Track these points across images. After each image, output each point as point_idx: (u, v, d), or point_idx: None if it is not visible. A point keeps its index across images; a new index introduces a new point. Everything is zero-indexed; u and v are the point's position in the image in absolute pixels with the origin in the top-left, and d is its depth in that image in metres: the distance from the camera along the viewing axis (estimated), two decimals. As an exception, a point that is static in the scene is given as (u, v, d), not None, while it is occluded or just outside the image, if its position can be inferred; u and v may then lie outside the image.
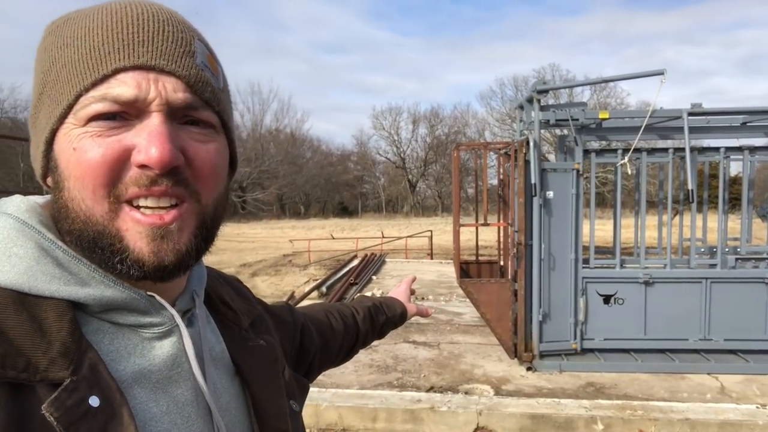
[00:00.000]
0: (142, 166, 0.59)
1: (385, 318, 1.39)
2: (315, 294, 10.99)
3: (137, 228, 0.61)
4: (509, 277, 7.10)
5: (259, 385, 0.76)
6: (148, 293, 0.65)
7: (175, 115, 0.62)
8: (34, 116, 0.64)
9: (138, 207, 0.61)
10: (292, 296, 11.63)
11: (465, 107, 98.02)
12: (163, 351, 0.66)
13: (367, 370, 6.20)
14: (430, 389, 5.59)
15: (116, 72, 0.60)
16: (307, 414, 5.08)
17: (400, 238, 20.54)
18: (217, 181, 0.67)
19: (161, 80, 0.61)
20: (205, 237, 0.66)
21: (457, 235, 6.21)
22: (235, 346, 0.77)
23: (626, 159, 6.10)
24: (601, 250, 7.26)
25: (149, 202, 0.61)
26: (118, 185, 0.60)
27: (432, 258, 18.14)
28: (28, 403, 0.54)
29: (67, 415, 0.54)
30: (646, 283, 6.21)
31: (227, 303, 0.82)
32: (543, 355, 6.23)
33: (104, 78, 0.59)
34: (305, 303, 10.06)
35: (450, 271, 13.93)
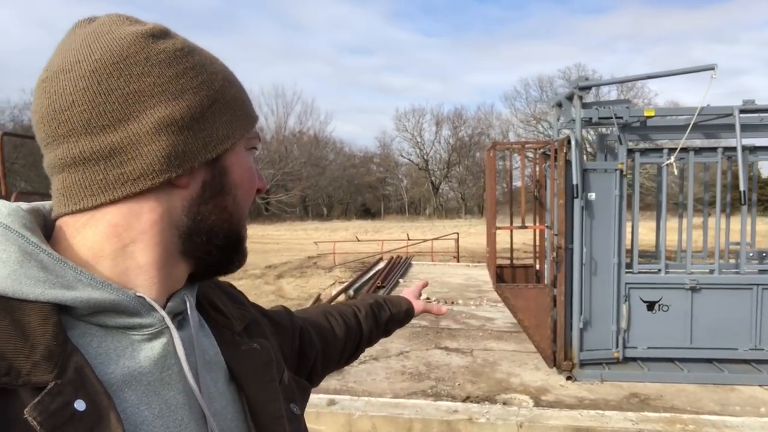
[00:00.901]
0: (258, 191, 0.77)
1: (389, 315, 1.37)
2: (342, 297, 10.83)
3: (245, 233, 0.76)
4: (546, 282, 6.85)
5: (254, 389, 0.76)
6: (138, 294, 0.65)
7: None
8: (197, 120, 0.67)
9: None
10: (318, 299, 11.49)
11: (489, 108, 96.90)
12: (153, 353, 0.65)
13: (400, 377, 6.00)
14: (467, 399, 5.37)
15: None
16: (340, 423, 4.91)
17: (425, 240, 20.30)
18: None
19: None
20: None
21: (493, 237, 5.98)
22: (228, 350, 0.77)
23: (672, 159, 5.81)
24: (641, 255, 6.96)
25: None
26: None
27: (458, 261, 17.87)
28: (11, 407, 0.53)
29: (50, 419, 0.53)
30: (693, 289, 5.90)
31: (218, 308, 0.82)
32: (583, 364, 5.96)
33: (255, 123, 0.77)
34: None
35: (478, 274, 13.66)
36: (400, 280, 12.62)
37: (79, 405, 0.55)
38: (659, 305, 6.00)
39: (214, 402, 0.71)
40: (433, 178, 64.99)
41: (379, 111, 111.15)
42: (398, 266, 14.30)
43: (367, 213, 63.68)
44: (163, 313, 0.67)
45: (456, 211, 62.55)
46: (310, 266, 17.94)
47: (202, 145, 0.67)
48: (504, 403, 5.28)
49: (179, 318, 0.71)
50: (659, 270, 6.07)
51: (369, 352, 6.83)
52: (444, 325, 8.20)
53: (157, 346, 0.66)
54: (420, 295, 1.53)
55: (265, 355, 0.81)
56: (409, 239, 20.16)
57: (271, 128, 63.55)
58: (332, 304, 1.38)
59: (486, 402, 5.30)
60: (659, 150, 6.11)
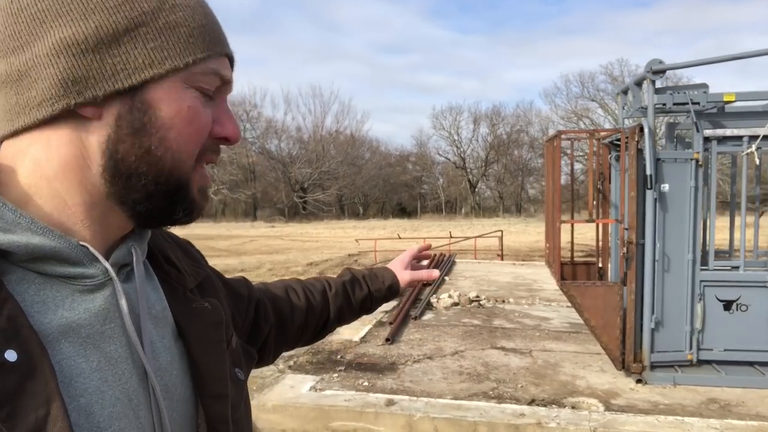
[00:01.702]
0: (222, 139, 0.70)
1: (367, 293, 1.29)
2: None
3: (201, 183, 0.69)
4: (609, 279, 6.50)
5: (200, 347, 0.74)
6: (81, 243, 0.63)
7: None
8: (109, 41, 0.61)
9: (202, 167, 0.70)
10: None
11: (528, 105, 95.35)
12: (94, 305, 0.63)
13: (457, 377, 5.74)
14: (532, 402, 5.08)
15: (225, 56, 0.70)
16: (400, 424, 4.69)
17: (468, 238, 19.95)
18: None
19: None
20: None
21: (558, 232, 5.66)
22: (177, 306, 0.75)
23: (753, 147, 5.39)
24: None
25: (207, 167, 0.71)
26: (201, 148, 0.68)
27: (502, 259, 17.47)
28: None
29: None
30: (775, 288, 5.48)
31: (172, 262, 0.80)
32: (654, 367, 5.60)
33: (219, 56, 0.69)
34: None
35: (526, 272, 13.28)
36: (446, 278, 12.34)
37: (10, 355, 0.53)
38: (737, 305, 5.59)
39: (160, 357, 0.69)
40: (470, 177, 64.25)
41: (416, 110, 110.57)
42: (442, 264, 14.01)
43: (403, 212, 63.38)
44: (107, 264, 0.64)
45: (493, 209, 61.71)
46: (351, 263, 17.81)
47: (110, 73, 0.61)
48: (573, 407, 4.98)
49: (127, 270, 0.69)
50: (738, 267, 5.66)
51: (422, 350, 6.60)
52: (497, 324, 7.89)
53: (99, 298, 0.63)
54: (410, 262, 1.39)
55: (215, 315, 0.78)
56: (451, 237, 19.82)
57: (308, 128, 63.96)
58: (301, 279, 1.29)
59: (553, 405, 5.00)
60: (737, 138, 5.69)
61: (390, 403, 4.92)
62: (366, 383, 5.50)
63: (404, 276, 1.36)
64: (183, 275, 0.80)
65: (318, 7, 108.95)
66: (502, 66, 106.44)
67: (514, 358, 6.40)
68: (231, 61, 0.72)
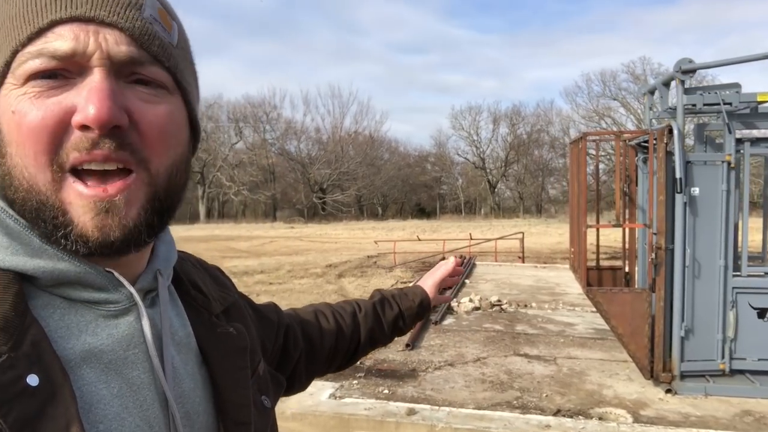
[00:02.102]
0: (82, 127, 0.56)
1: (397, 312, 1.27)
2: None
3: (80, 201, 0.58)
4: (636, 285, 6.32)
5: (224, 373, 0.72)
6: (106, 269, 0.62)
7: (121, 73, 0.58)
8: None
9: (82, 178, 0.58)
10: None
11: (548, 104, 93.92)
12: (118, 330, 0.62)
13: (480, 386, 5.62)
14: (557, 412, 4.93)
15: (53, 25, 0.56)
16: (421, 435, 4.58)
17: (489, 240, 19.73)
18: (168, 146, 0.62)
19: (102, 32, 0.57)
20: (158, 210, 0.62)
21: (583, 236, 5.50)
22: (202, 331, 0.74)
23: (789, 149, 5.18)
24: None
25: (93, 166, 0.57)
26: (60, 152, 0.56)
27: (523, 261, 17.25)
28: None
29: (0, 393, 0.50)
30: (813, 296, 5.27)
31: (199, 287, 0.78)
32: (684, 376, 5.41)
33: (40, 32, 0.56)
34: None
35: (548, 275, 13.07)
36: (466, 281, 12.19)
37: (32, 380, 0.52)
38: (772, 312, 5.38)
39: (182, 383, 0.67)
40: (490, 177, 63.78)
41: (435, 110, 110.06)
42: (463, 266, 13.85)
43: (422, 212, 63.15)
44: (132, 289, 0.64)
45: (513, 210, 61.18)
46: (370, 266, 17.72)
47: None
48: (600, 418, 4.82)
49: (152, 295, 0.68)
50: (772, 273, 5.46)
51: (443, 356, 6.48)
52: (520, 329, 7.74)
53: (123, 323, 0.63)
54: (443, 280, 1.38)
55: (240, 340, 0.77)
56: (471, 238, 19.63)
57: (327, 128, 64.05)
58: (328, 303, 1.26)
59: (580, 416, 4.85)
60: (771, 139, 5.48)
61: (411, 412, 4.82)
62: (386, 391, 5.40)
63: (435, 297, 1.36)
64: (209, 300, 0.78)
65: (336, 7, 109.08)
66: (522, 65, 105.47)
67: (538, 365, 6.25)
68: (86, 20, 0.57)
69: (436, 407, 4.97)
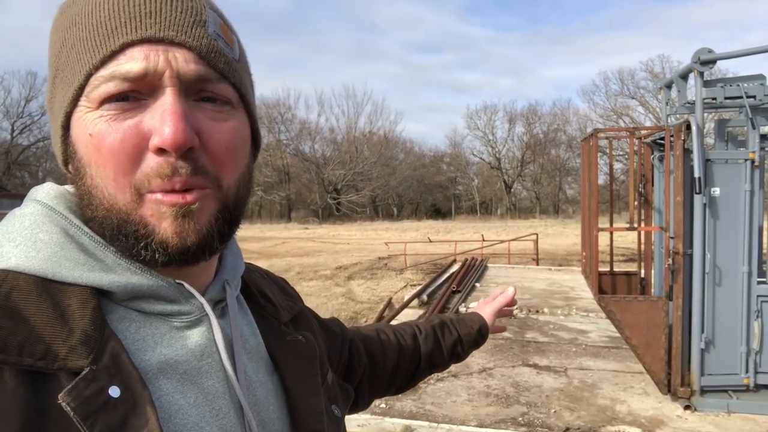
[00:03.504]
0: (159, 150, 0.57)
1: (456, 337, 1.25)
2: (415, 302, 10.18)
3: (160, 208, 0.58)
4: (652, 292, 5.93)
5: (295, 380, 0.73)
6: (177, 281, 0.63)
7: (189, 91, 0.59)
8: (50, 101, 0.63)
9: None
10: (389, 303, 10.90)
11: (565, 103, 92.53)
12: (191, 341, 0.63)
13: (484, 400, 5.28)
14: (566, 431, 4.58)
15: (124, 47, 0.57)
16: (417, 455, 4.26)
17: (502, 241, 19.31)
18: (236, 162, 0.63)
19: (171, 52, 0.58)
20: (228, 220, 0.63)
21: (595, 240, 5.14)
22: (272, 339, 0.74)
23: (819, 146, 4.77)
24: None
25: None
26: (138, 174, 0.58)
27: (537, 264, 16.81)
28: (46, 392, 0.51)
29: (84, 405, 0.51)
30: None
31: (267, 296, 0.80)
32: (705, 391, 5.03)
33: (112, 54, 0.57)
34: (405, 312, 9.27)
35: (562, 279, 12.66)
36: (477, 285, 11.83)
37: (114, 392, 0.53)
38: (800, 323, 4.97)
39: (256, 391, 0.68)
40: (505, 177, 63.13)
41: (450, 109, 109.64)
42: (474, 269, 13.49)
43: (437, 213, 62.70)
44: (203, 300, 0.65)
45: (529, 210, 60.46)
46: (380, 267, 17.41)
47: (54, 122, 0.63)
48: (612, 438, 4.46)
49: (222, 305, 0.69)
50: (801, 280, 5.05)
51: (447, 367, 6.15)
52: (531, 337, 7.37)
53: (195, 334, 0.64)
54: (511, 304, 1.38)
55: (309, 348, 0.78)
56: (484, 240, 19.22)
57: (341, 129, 63.91)
58: (389, 324, 1.26)
59: (590, 436, 4.49)
60: (799, 136, 5.07)
61: (407, 430, 4.50)
62: (383, 405, 5.09)
63: (492, 322, 1.33)
64: (277, 309, 0.79)
65: (353, 7, 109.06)
66: (540, 63, 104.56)
67: (548, 377, 5.88)
68: (155, 41, 0.57)
69: (435, 424, 4.64)
